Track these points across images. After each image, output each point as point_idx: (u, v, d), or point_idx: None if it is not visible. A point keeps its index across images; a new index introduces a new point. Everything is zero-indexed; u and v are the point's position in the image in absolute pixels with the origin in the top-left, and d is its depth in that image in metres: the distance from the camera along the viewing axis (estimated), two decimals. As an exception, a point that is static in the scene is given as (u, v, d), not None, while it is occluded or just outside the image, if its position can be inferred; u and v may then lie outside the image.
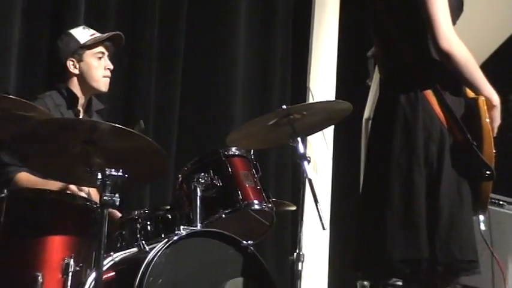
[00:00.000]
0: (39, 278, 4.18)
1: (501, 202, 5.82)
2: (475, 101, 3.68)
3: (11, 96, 4.19)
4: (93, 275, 4.16)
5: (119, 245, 4.54)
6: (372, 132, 4.04)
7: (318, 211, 4.69)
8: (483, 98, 3.67)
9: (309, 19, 6.45)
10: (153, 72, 5.76)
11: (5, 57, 4.97)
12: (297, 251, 4.85)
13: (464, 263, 3.64)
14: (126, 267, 4.33)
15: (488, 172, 3.62)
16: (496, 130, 3.73)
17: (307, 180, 4.74)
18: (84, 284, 4.23)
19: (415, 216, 3.60)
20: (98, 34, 4.87)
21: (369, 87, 6.83)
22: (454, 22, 3.75)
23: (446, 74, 3.71)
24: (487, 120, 3.64)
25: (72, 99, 4.78)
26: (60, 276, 4.23)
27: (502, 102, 3.78)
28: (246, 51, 6.15)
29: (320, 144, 6.31)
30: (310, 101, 6.02)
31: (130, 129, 4.20)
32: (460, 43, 3.68)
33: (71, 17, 5.28)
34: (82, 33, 4.84)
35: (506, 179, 3.98)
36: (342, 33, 6.90)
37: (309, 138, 5.44)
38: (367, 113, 6.93)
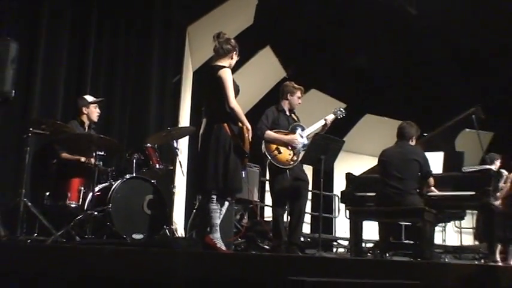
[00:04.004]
0: (69, 194, 4.06)
1: (253, 166, 5.91)
2: (241, 128, 3.58)
3: (58, 122, 4.03)
4: (91, 194, 4.05)
5: (101, 182, 4.30)
6: (202, 140, 3.77)
7: (181, 168, 4.77)
8: (245, 127, 3.58)
9: (179, 92, 6.23)
10: (117, 111, 5.43)
11: (55, 102, 4.61)
12: (173, 184, 4.82)
13: (238, 189, 3.60)
14: (104, 191, 4.15)
15: (246, 155, 3.57)
16: (250, 139, 3.61)
17: (177, 157, 4.74)
18: (87, 198, 4.09)
19: (217, 172, 3.51)
20: (95, 98, 4.55)
21: (202, 122, 6.81)
22: (236, 96, 3.59)
23: (231, 117, 3.57)
24: (246, 135, 3.57)
25: (82, 123, 4.46)
26: (77, 194, 4.10)
27: (252, 129, 3.69)
28: (156, 105, 5.73)
29: (184, 142, 6.18)
30: (180, 126, 5.89)
31: (104, 136, 4.06)
32: (237, 105, 3.56)
33: (85, 83, 4.90)
34: (89, 97, 4.52)
35: (252, 157, 3.97)
36: (192, 97, 6.67)
37: (180, 140, 5.33)
38: (201, 130, 6.84)
